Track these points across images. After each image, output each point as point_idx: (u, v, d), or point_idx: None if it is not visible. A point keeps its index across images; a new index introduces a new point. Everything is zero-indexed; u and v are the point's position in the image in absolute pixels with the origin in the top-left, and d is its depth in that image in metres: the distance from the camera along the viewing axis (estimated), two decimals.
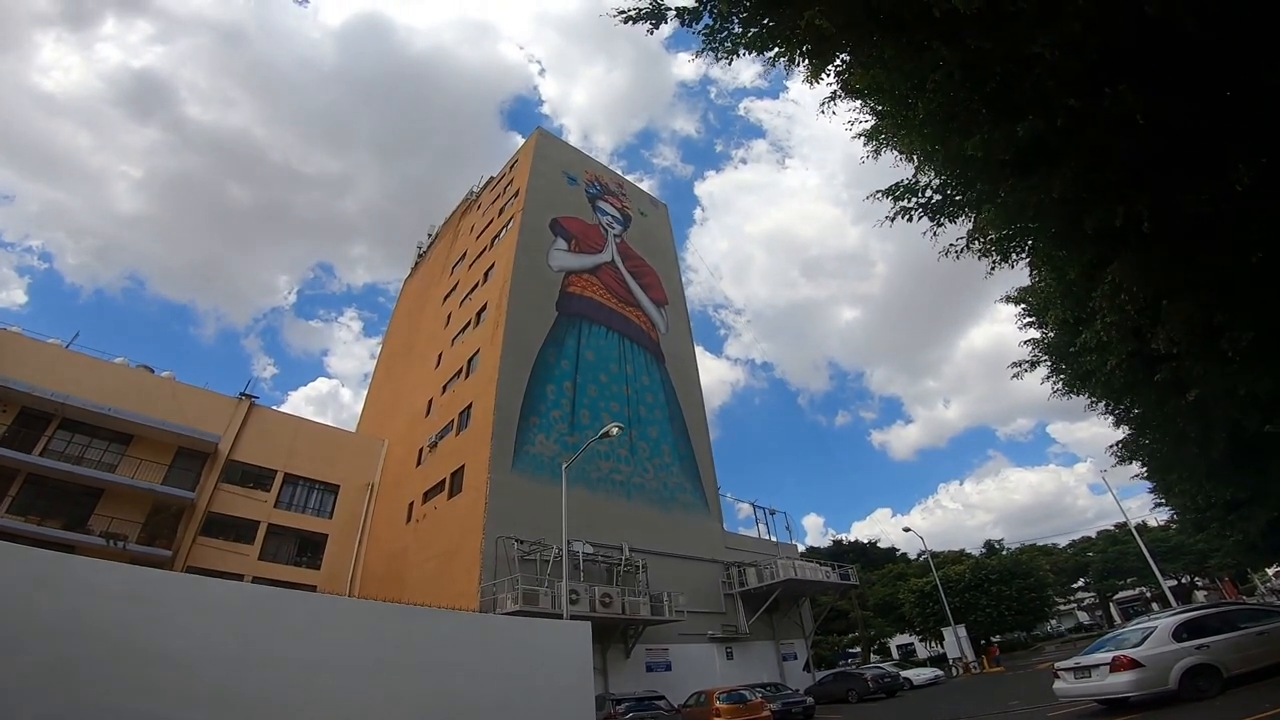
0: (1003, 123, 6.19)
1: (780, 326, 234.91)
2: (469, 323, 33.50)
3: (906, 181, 8.35)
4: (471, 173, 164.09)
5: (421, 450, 30.44)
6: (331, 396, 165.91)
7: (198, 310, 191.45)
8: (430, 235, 58.05)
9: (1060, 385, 14.06)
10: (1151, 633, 10.60)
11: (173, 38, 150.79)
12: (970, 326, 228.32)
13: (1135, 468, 18.63)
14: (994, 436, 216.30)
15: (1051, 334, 13.33)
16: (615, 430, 16.75)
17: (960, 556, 52.62)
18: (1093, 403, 14.44)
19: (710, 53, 6.96)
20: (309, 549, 28.30)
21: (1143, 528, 41.40)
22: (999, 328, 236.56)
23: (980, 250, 8.37)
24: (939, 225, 8.29)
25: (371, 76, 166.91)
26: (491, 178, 48.54)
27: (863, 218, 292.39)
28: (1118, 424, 15.91)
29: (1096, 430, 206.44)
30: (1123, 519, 38.19)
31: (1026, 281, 13.36)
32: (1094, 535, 61.31)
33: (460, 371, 31.10)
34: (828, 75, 7.02)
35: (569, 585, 16.57)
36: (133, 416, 24.35)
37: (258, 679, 7.57)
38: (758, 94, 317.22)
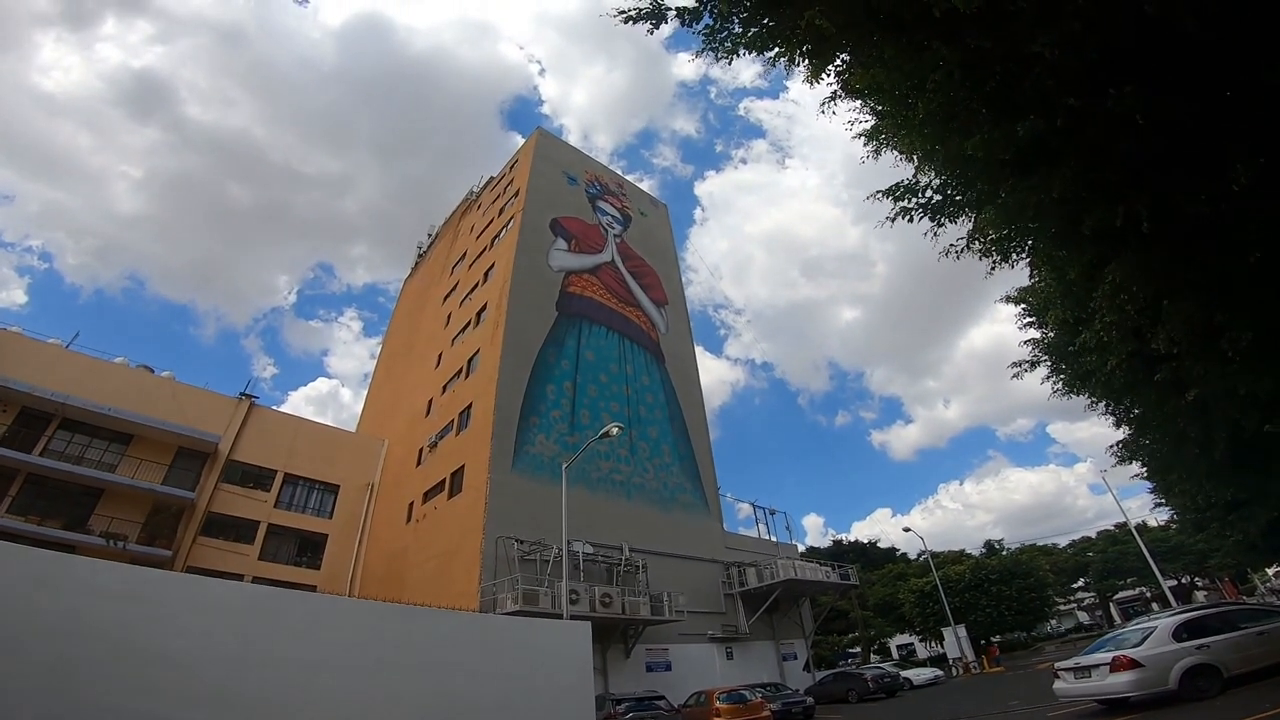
0: (1003, 122, 6.19)
1: (780, 326, 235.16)
2: (469, 323, 33.51)
3: (907, 182, 8.34)
4: (471, 173, 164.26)
5: (421, 450, 30.44)
6: (331, 396, 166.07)
7: (198, 310, 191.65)
8: (430, 235, 58.06)
9: (1060, 385, 14.07)
10: (1151, 633, 10.60)
11: (173, 38, 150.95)
12: (970, 326, 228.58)
13: (1135, 468, 18.66)
14: (994, 436, 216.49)
15: (1051, 334, 13.33)
16: (615, 430, 16.75)
17: (960, 556, 52.61)
18: (1093, 403, 14.44)
19: (710, 53, 6.95)
20: (309, 549, 28.31)
21: (1143, 528, 41.43)
22: (999, 328, 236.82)
23: (980, 250, 8.37)
24: (939, 225, 8.28)
25: (371, 76, 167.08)
26: (491, 178, 48.55)
27: (863, 218, 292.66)
28: (1118, 424, 15.91)
29: (1096, 430, 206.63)
30: (1123, 519, 38.23)
31: (1026, 281, 13.37)
32: (1094, 535, 61.35)
33: (460, 371, 31.10)
34: (828, 75, 7.02)
35: (569, 585, 16.57)
36: (133, 416, 24.36)
37: (258, 679, 7.57)
38: (758, 94, 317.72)
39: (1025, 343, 14.65)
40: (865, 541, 65.07)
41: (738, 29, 6.78)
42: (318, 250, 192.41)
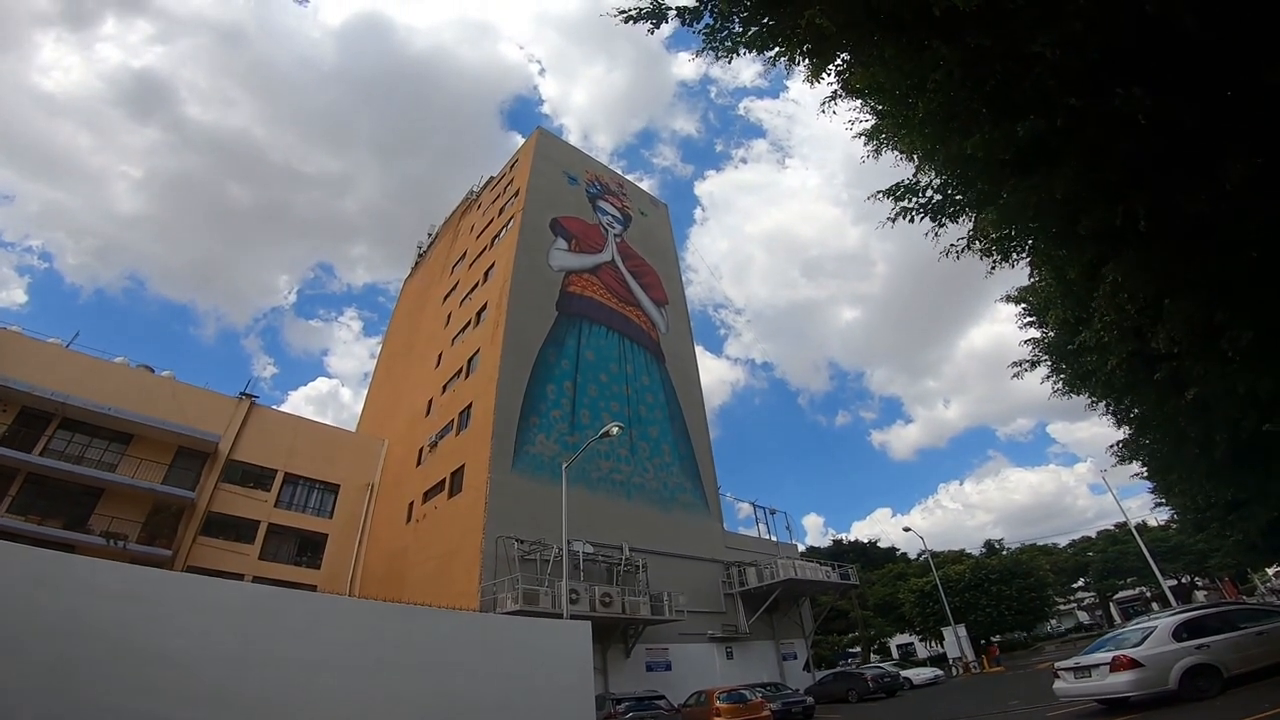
0: (1003, 122, 6.18)
1: (780, 326, 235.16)
2: (469, 322, 33.50)
3: (907, 182, 8.34)
4: (471, 172, 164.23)
5: (421, 450, 30.45)
6: (331, 396, 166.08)
7: (198, 310, 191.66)
8: (430, 235, 58.06)
9: (1060, 385, 14.06)
10: (1151, 632, 10.60)
11: (173, 38, 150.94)
12: (970, 326, 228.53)
13: (1135, 467, 18.66)
14: (994, 436, 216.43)
15: (1052, 333, 13.31)
16: (615, 430, 16.75)
17: (960, 556, 52.61)
18: (1093, 402, 14.44)
19: (710, 52, 6.95)
20: (309, 549, 28.30)
21: (1143, 527, 41.42)
22: (999, 327, 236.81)
23: (981, 250, 8.37)
24: (940, 226, 8.28)
25: (371, 76, 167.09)
26: (491, 177, 48.55)
27: (863, 218, 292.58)
28: (1118, 424, 15.90)
29: (1096, 430, 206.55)
30: (1123, 519, 38.23)
31: (1027, 281, 13.37)
32: (1094, 535, 61.38)
33: (460, 371, 31.10)
34: (828, 75, 7.02)
35: (569, 585, 16.57)
36: (133, 416, 24.36)
37: (258, 679, 7.58)
38: (758, 93, 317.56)
39: (1025, 342, 14.65)
40: (865, 541, 65.14)
41: (738, 28, 6.78)
42: (318, 250, 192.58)
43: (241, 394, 29.29)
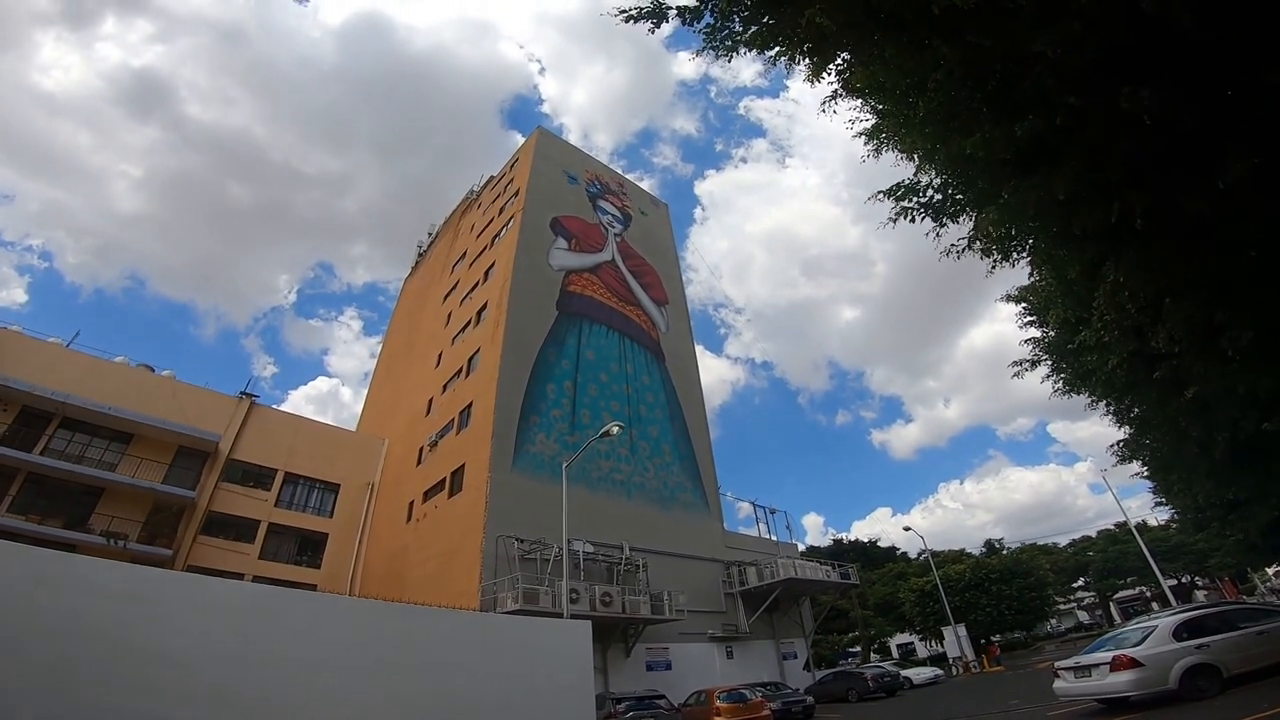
0: (1003, 122, 6.18)
1: (780, 326, 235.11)
2: (469, 322, 33.51)
3: (908, 182, 8.34)
4: (472, 172, 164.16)
5: (422, 449, 30.46)
6: (332, 395, 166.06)
7: (198, 309, 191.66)
8: (430, 234, 58.05)
9: (1061, 384, 14.06)
10: (1151, 632, 10.60)
11: (173, 37, 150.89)
12: (970, 326, 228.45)
13: (1135, 467, 18.65)
14: (994, 436, 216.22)
15: (1052, 333, 13.31)
16: (615, 429, 16.76)
17: (960, 556, 52.67)
18: (1093, 401, 14.44)
19: (711, 51, 6.95)
20: (309, 548, 28.34)
21: (1143, 527, 41.40)
22: (999, 327, 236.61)
23: (981, 249, 8.37)
24: (941, 225, 8.27)
25: (371, 75, 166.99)
26: (492, 177, 48.53)
27: (863, 217, 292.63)
28: (1118, 423, 15.90)
29: (1097, 430, 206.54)
30: (1123, 518, 38.21)
31: (1027, 280, 13.37)
32: (1094, 535, 61.38)
33: (460, 370, 31.11)
34: (828, 74, 7.02)
35: (569, 584, 16.58)
36: (133, 415, 24.37)
37: (258, 678, 7.57)
38: (758, 93, 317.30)
39: (1025, 342, 14.65)
40: (865, 541, 65.17)
41: (738, 27, 6.78)
42: (318, 249, 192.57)
43: (242, 393, 29.33)
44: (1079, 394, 14.11)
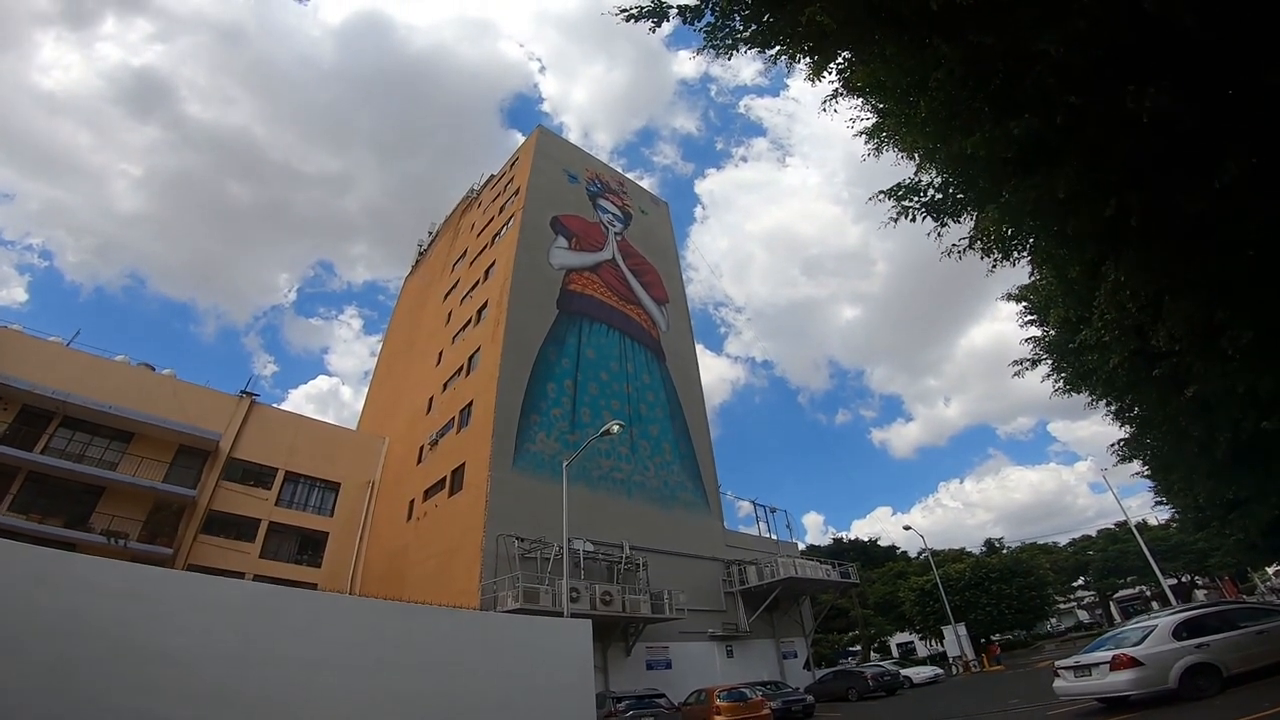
0: (1004, 121, 6.17)
1: (780, 325, 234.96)
2: (470, 320, 33.50)
3: (908, 181, 8.33)
4: (472, 171, 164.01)
5: (422, 448, 30.46)
6: (332, 394, 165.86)
7: (198, 308, 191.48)
8: (431, 233, 58.04)
9: (1061, 383, 14.06)
10: (1151, 631, 10.59)
11: (172, 36, 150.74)
12: (971, 325, 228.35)
13: (1136, 466, 18.62)
14: (994, 435, 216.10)
15: (1053, 332, 13.30)
16: (616, 428, 16.76)
17: (960, 555, 52.67)
18: (1093, 401, 14.42)
19: (711, 50, 6.95)
20: (310, 547, 28.38)
21: (1143, 526, 41.38)
22: (1000, 326, 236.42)
23: (982, 248, 8.36)
24: (942, 225, 8.26)
25: (371, 74, 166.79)
26: (492, 175, 48.52)
27: (863, 216, 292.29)
28: (1118, 421, 15.88)
29: (1097, 429, 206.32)
30: (1123, 517, 38.16)
31: (1027, 279, 13.35)
32: (1094, 534, 61.28)
33: (461, 369, 31.11)
34: (829, 73, 7.01)
35: (569, 583, 16.59)
36: (133, 414, 24.40)
37: (258, 677, 7.59)
38: (758, 91, 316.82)
39: (1026, 341, 14.64)
40: (865, 540, 65.18)
41: (739, 26, 6.77)
42: (318, 248, 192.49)
43: (242, 392, 29.36)
44: (1079, 393, 14.10)
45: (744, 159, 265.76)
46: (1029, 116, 5.88)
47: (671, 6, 6.79)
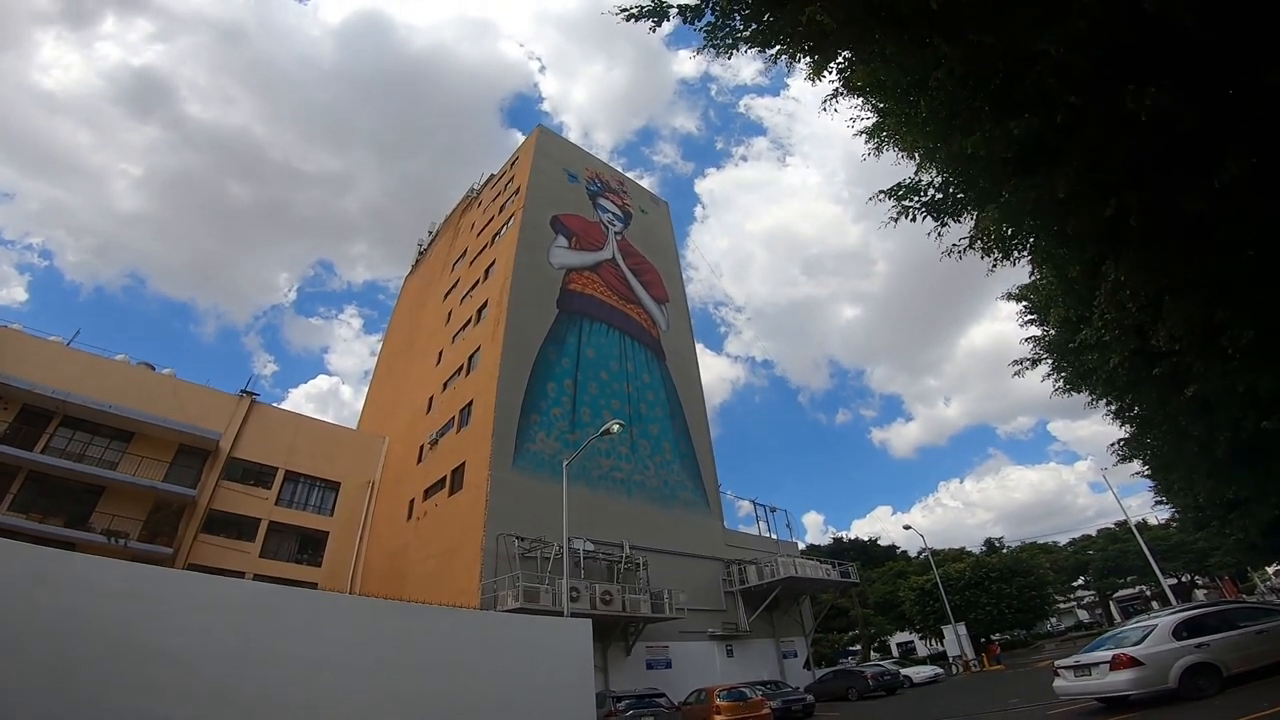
0: (1004, 120, 6.17)
1: (781, 324, 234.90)
2: (470, 320, 33.50)
3: (909, 181, 8.32)
4: (472, 170, 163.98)
5: (422, 447, 30.46)
6: (332, 394, 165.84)
7: (198, 308, 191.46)
8: (431, 233, 58.04)
9: (1061, 383, 14.06)
10: (1151, 631, 10.59)
11: (172, 36, 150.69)
12: (971, 325, 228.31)
13: (1136, 466, 18.61)
14: (994, 434, 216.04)
15: (1053, 332, 13.30)
16: (616, 428, 16.76)
17: (960, 554, 52.67)
18: (1093, 400, 14.43)
19: (711, 49, 6.94)
20: (310, 546, 28.39)
21: (1143, 526, 41.35)
22: (1000, 325, 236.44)
23: (982, 248, 8.36)
24: (943, 225, 8.26)
25: (371, 74, 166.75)
26: (492, 175, 48.50)
27: (864, 216, 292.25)
28: (1118, 421, 15.88)
29: (1097, 428, 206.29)
30: (1123, 517, 38.15)
31: (1028, 279, 13.34)
32: (1094, 533, 61.31)
33: (461, 369, 31.11)
34: (829, 73, 7.00)
35: (569, 583, 16.60)
36: (134, 414, 24.40)
37: (258, 677, 7.59)
38: (758, 91, 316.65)
39: (1026, 340, 14.63)
40: (865, 539, 65.19)
41: (739, 25, 6.76)
42: (318, 248, 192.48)
43: (242, 392, 29.36)
44: (1079, 393, 14.11)
45: (744, 158, 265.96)
46: (1029, 116, 5.88)
47: (672, 6, 6.79)
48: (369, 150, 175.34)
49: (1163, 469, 17.67)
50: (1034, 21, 5.28)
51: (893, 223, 8.29)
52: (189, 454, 26.05)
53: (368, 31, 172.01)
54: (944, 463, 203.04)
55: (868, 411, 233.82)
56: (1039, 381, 14.58)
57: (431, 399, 32.93)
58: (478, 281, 35.45)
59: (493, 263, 34.86)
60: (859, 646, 49.12)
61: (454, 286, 39.78)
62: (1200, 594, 47.47)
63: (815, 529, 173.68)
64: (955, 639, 33.74)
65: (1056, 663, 12.01)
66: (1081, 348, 11.10)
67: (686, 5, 6.79)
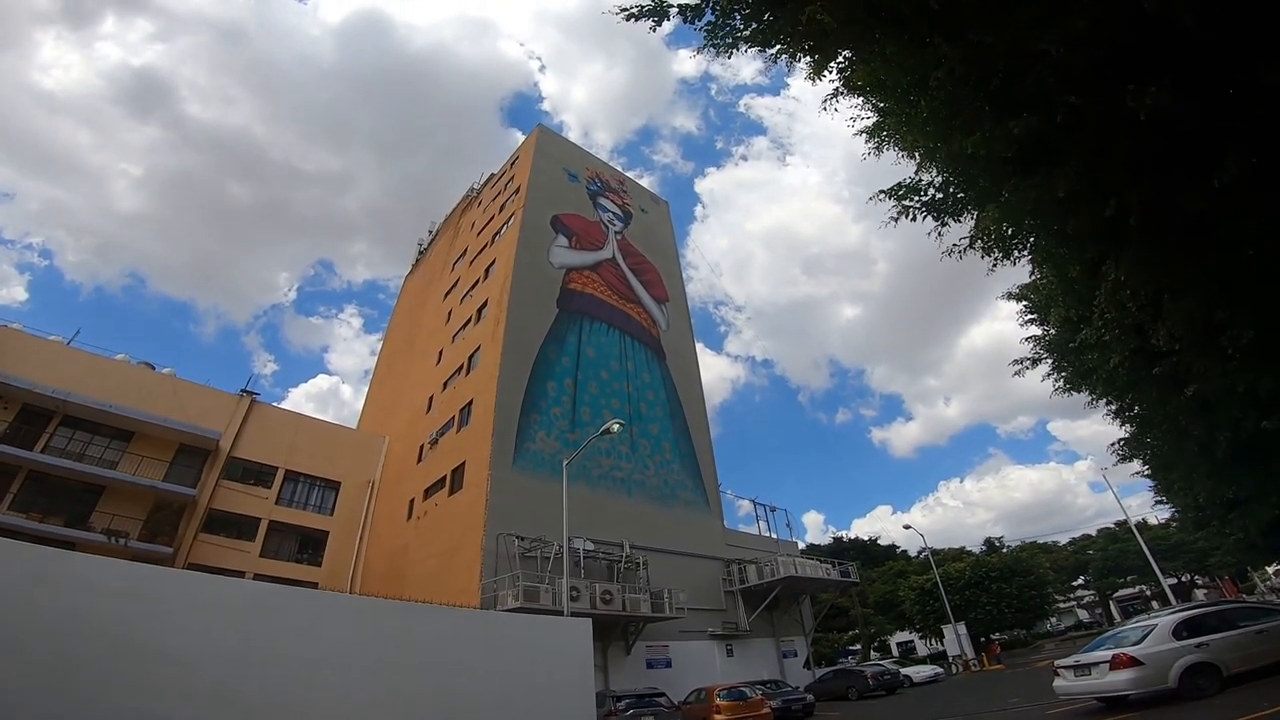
0: (1004, 120, 6.17)
1: (781, 324, 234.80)
2: (470, 319, 33.51)
3: (909, 181, 8.32)
4: (472, 170, 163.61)
5: (422, 447, 30.47)
6: (332, 393, 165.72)
7: (198, 307, 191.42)
8: (431, 232, 58.04)
9: (1061, 383, 14.06)
10: (1151, 631, 10.59)
11: (172, 35, 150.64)
12: (971, 324, 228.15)
13: (1136, 465, 18.61)
14: (994, 434, 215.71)
15: (1053, 331, 13.30)
16: (616, 427, 16.77)
17: (960, 554, 52.72)
18: (1093, 400, 14.42)
19: (711, 49, 6.94)
20: (310, 546, 28.39)
21: (1143, 526, 41.33)
22: (1000, 325, 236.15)
23: (983, 248, 8.36)
24: (943, 224, 8.26)
25: (371, 74, 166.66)
26: (492, 174, 48.49)
27: (864, 216, 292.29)
28: (1118, 420, 15.87)
29: (1097, 428, 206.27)
30: (1123, 517, 38.15)
31: (1028, 278, 13.34)
32: (1094, 533, 61.35)
33: (461, 368, 31.11)
34: (829, 72, 7.00)
35: (570, 582, 16.61)
36: (134, 413, 24.40)
37: (258, 676, 7.59)
38: (758, 90, 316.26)
39: (1026, 340, 14.62)
40: (865, 539, 65.26)
41: (740, 25, 6.76)
42: (318, 247, 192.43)
43: (242, 391, 29.36)
44: (1079, 392, 14.10)
45: (744, 158, 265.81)
46: (1029, 116, 5.87)
47: (672, 5, 6.78)
48: (369, 150, 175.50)
49: (1163, 469, 17.67)
50: (1034, 21, 5.28)
51: (893, 222, 8.29)
52: (189, 453, 26.05)
53: (367, 31, 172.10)
54: (944, 462, 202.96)
55: (868, 411, 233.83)
56: (1039, 381, 14.58)
57: (431, 398, 32.94)
58: (478, 281, 35.44)
59: (493, 262, 34.86)
60: (859, 646, 49.15)
61: (454, 286, 39.78)
62: (1200, 594, 47.47)
63: (815, 528, 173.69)
64: (955, 638, 33.76)
65: (1056, 662, 12.01)
66: (1081, 347, 11.10)
67: (687, 5, 6.79)
